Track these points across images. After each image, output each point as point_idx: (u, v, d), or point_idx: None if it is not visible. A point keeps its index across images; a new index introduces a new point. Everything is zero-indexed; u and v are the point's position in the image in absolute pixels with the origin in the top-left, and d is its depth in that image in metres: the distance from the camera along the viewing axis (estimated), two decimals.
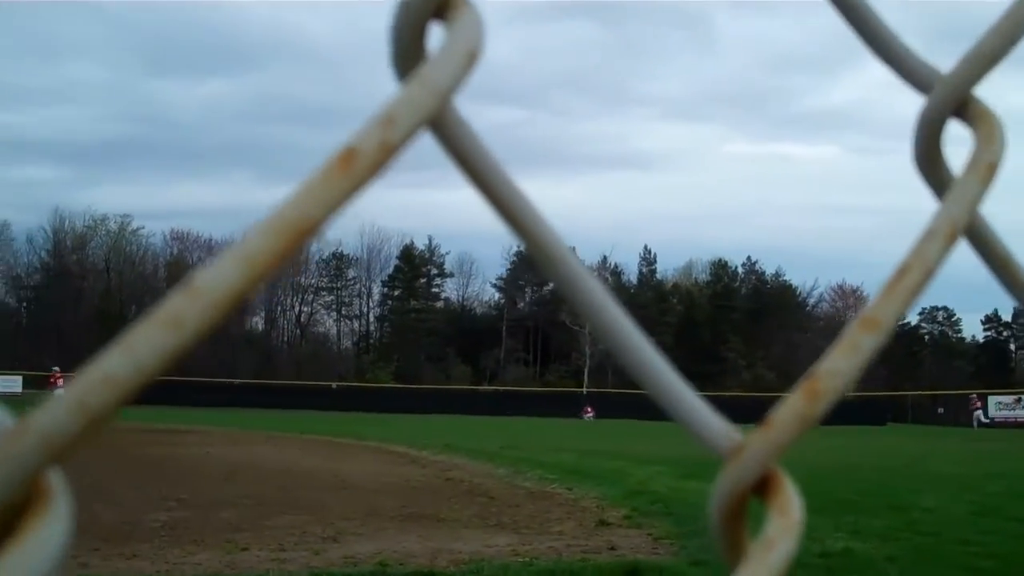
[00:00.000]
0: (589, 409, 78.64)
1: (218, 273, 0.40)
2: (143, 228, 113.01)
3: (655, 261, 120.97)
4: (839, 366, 0.55)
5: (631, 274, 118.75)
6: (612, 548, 11.96)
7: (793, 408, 0.54)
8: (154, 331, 0.40)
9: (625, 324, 0.54)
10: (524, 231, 0.53)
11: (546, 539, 12.63)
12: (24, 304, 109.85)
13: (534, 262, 0.54)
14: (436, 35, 0.50)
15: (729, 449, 0.54)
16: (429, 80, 0.45)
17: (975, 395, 75.82)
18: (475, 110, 0.57)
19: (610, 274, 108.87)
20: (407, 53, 0.49)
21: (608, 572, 10.49)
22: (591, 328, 0.54)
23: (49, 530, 0.40)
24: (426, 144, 0.50)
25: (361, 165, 0.43)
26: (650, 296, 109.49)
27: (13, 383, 73.23)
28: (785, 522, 0.51)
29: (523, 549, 11.78)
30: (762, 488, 0.53)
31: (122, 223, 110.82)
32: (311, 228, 0.42)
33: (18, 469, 0.40)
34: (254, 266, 0.41)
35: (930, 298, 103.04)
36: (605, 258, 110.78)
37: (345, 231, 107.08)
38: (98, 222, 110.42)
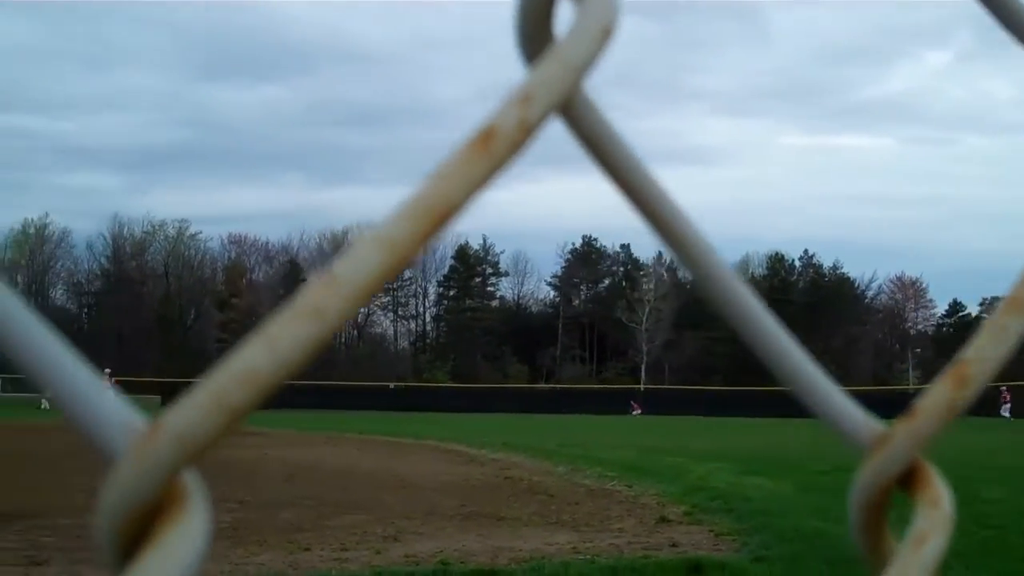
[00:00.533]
0: (636, 406, 78.39)
1: (358, 260, 0.39)
2: (200, 233, 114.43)
3: None
4: (987, 350, 0.52)
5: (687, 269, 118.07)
6: (673, 545, 11.89)
7: (941, 395, 0.51)
8: (295, 322, 0.38)
9: (762, 315, 0.52)
10: (656, 219, 0.51)
11: (607, 536, 12.59)
12: (85, 310, 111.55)
13: (674, 256, 0.51)
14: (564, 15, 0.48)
15: (872, 439, 0.51)
16: (564, 57, 0.43)
17: (1005, 387, 74.38)
18: None
19: (666, 270, 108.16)
20: (535, 33, 0.47)
21: (671, 569, 10.42)
22: (726, 317, 0.52)
23: (185, 534, 0.39)
24: None
25: (500, 145, 0.41)
26: None
27: None
28: (937, 515, 0.49)
29: (584, 547, 11.74)
30: (908, 480, 0.51)
31: (180, 228, 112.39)
32: (451, 211, 0.40)
33: (153, 471, 0.38)
34: (394, 252, 0.39)
35: (992, 287, 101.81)
36: (660, 254, 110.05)
37: None
38: (156, 228, 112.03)
